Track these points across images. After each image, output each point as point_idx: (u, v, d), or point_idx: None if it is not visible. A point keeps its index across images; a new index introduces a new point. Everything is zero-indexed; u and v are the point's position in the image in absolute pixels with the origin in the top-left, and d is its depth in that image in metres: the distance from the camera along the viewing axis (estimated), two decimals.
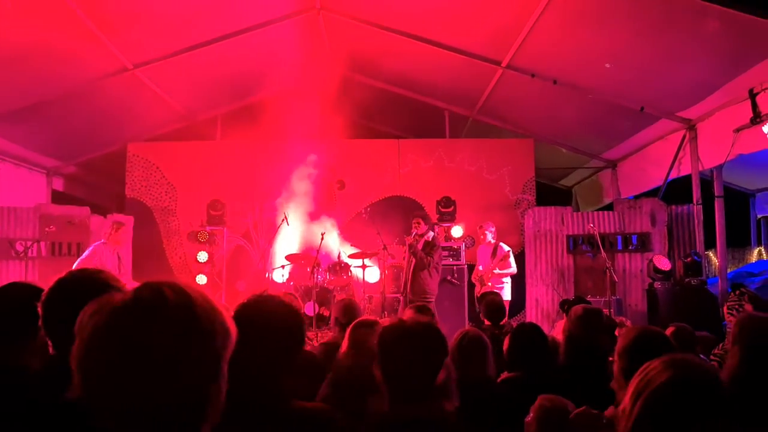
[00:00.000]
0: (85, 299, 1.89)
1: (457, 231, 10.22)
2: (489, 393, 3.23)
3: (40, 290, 1.98)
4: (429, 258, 7.96)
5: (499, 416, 2.98)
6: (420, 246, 8.05)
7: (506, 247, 9.09)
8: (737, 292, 4.45)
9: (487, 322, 5.59)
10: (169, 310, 1.04)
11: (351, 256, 9.89)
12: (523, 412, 2.62)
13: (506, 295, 8.82)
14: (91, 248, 8.11)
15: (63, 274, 1.97)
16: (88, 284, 1.91)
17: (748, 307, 4.16)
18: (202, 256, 10.34)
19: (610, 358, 2.92)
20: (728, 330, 4.31)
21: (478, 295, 8.61)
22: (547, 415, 2.50)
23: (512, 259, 9.00)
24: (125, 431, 1.02)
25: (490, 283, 8.81)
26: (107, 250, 8.02)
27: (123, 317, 1.04)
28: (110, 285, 1.94)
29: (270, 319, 1.91)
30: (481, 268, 9.16)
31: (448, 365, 2.21)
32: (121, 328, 1.02)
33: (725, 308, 4.44)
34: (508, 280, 8.99)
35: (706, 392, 1.50)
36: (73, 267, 7.84)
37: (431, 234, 8.30)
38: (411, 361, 2.09)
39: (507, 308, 8.57)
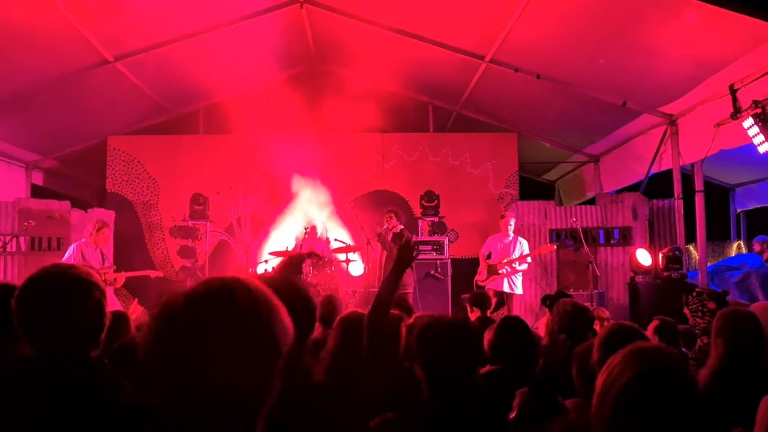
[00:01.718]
0: (58, 293, 1.89)
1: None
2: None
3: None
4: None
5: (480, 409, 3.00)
6: (389, 238, 8.10)
7: (525, 242, 8.90)
8: (694, 293, 4.44)
9: (474, 313, 5.60)
10: (237, 306, 1.09)
11: (335, 251, 9.86)
12: (504, 405, 2.63)
13: (520, 289, 8.70)
14: (72, 248, 8.07)
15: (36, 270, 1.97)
16: (62, 279, 1.91)
17: (712, 305, 4.18)
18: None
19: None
20: (697, 332, 4.32)
21: (482, 284, 8.62)
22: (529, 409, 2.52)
23: None
24: (192, 419, 1.06)
25: (502, 271, 8.55)
26: (89, 247, 8.00)
27: (195, 309, 1.08)
28: (84, 279, 1.93)
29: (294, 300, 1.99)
30: (489, 261, 8.78)
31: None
32: (194, 319, 1.07)
33: (687, 312, 4.43)
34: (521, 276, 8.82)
35: (673, 381, 1.47)
36: None
37: (400, 227, 8.33)
38: (451, 358, 2.25)
39: (515, 304, 8.63)
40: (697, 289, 4.59)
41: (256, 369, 1.08)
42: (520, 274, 8.71)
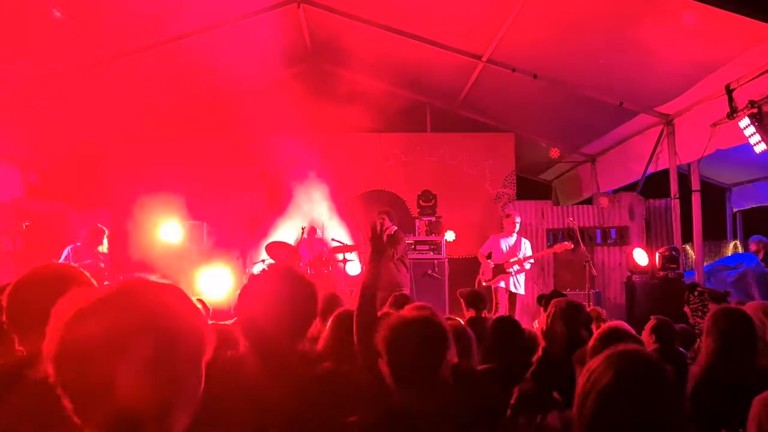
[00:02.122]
0: (47, 293, 1.87)
1: (449, 236, 10.08)
2: (473, 382, 3.28)
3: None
4: (392, 250, 8.02)
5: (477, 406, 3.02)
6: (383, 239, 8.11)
7: (527, 241, 8.85)
8: (696, 293, 4.46)
9: (469, 313, 5.60)
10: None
11: (332, 250, 9.87)
12: (497, 403, 2.68)
13: (523, 289, 8.65)
14: (67, 250, 8.04)
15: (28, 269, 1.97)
16: (52, 278, 1.89)
17: (713, 306, 4.20)
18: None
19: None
20: (696, 331, 4.34)
21: (488, 284, 8.52)
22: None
23: None
24: None
25: (511, 270, 8.46)
26: (84, 250, 7.99)
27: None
28: (75, 279, 1.91)
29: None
30: (490, 261, 8.62)
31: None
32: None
33: (688, 311, 4.45)
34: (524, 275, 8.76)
35: (652, 382, 1.50)
36: None
37: (394, 228, 8.35)
38: (416, 353, 2.15)
39: (519, 304, 8.58)
40: (699, 289, 4.60)
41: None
42: (523, 273, 8.65)
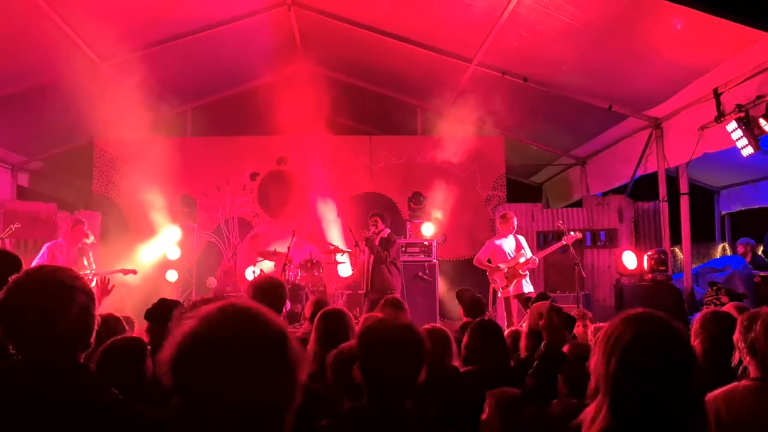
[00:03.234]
0: (39, 299, 1.84)
1: (427, 229, 10.16)
2: (454, 386, 3.32)
3: None
4: (386, 252, 8.04)
5: (459, 408, 3.07)
6: (377, 242, 8.14)
7: (522, 237, 8.59)
8: (714, 288, 4.60)
9: (465, 319, 5.62)
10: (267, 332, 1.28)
11: (323, 253, 9.87)
12: (476, 403, 2.72)
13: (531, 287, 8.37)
14: (44, 248, 7.87)
15: (19, 273, 1.94)
16: (44, 284, 1.88)
17: (725, 299, 4.30)
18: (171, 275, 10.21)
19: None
20: None
21: (505, 291, 8.23)
22: (501, 408, 2.59)
23: None
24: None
25: (523, 272, 8.20)
26: (64, 248, 7.82)
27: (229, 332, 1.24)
28: (68, 284, 1.89)
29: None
30: (502, 265, 8.27)
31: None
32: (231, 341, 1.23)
33: (705, 303, 4.59)
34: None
35: (669, 336, 1.63)
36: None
37: (387, 231, 8.35)
38: (393, 363, 2.09)
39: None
40: (717, 285, 4.73)
41: (281, 385, 1.23)
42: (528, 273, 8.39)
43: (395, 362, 2.09)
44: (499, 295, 8.46)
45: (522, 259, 8.25)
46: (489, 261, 8.46)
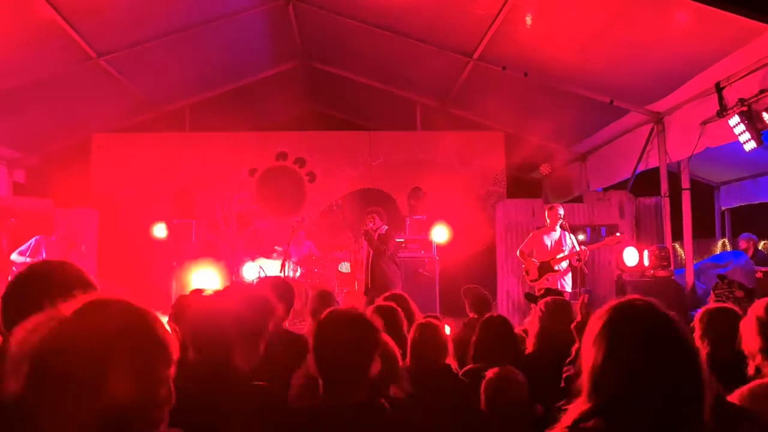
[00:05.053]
0: (45, 293, 1.80)
1: (439, 234, 9.59)
2: (446, 382, 3.31)
3: None
4: (384, 246, 8.00)
5: (459, 404, 3.05)
6: (375, 237, 8.11)
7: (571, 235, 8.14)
8: (726, 281, 4.55)
9: (472, 315, 5.56)
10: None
11: (322, 249, 9.83)
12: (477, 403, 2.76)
13: (570, 286, 8.00)
14: (32, 241, 7.95)
15: (23, 268, 1.90)
16: (49, 278, 1.83)
17: (739, 293, 4.26)
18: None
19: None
20: None
21: (534, 284, 7.90)
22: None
23: None
24: None
25: (558, 267, 7.81)
26: (51, 243, 7.90)
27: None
28: (71, 279, 1.85)
29: None
30: (535, 260, 7.97)
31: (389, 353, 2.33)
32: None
33: (713, 296, 4.53)
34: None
35: (660, 327, 1.60)
36: (12, 257, 7.71)
37: (384, 227, 8.31)
38: (342, 352, 2.13)
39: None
40: (728, 279, 4.69)
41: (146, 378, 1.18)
42: (569, 273, 8.02)
43: (342, 354, 2.13)
44: (530, 285, 8.13)
45: (559, 255, 7.84)
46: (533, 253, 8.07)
